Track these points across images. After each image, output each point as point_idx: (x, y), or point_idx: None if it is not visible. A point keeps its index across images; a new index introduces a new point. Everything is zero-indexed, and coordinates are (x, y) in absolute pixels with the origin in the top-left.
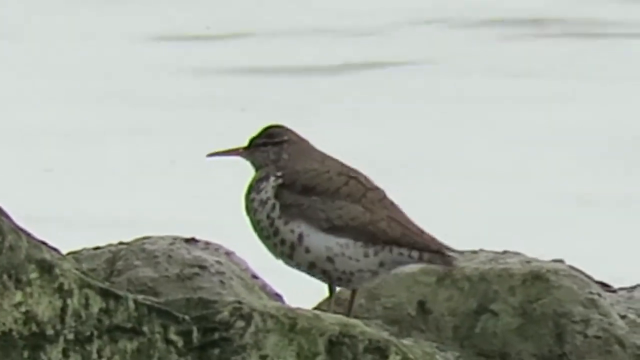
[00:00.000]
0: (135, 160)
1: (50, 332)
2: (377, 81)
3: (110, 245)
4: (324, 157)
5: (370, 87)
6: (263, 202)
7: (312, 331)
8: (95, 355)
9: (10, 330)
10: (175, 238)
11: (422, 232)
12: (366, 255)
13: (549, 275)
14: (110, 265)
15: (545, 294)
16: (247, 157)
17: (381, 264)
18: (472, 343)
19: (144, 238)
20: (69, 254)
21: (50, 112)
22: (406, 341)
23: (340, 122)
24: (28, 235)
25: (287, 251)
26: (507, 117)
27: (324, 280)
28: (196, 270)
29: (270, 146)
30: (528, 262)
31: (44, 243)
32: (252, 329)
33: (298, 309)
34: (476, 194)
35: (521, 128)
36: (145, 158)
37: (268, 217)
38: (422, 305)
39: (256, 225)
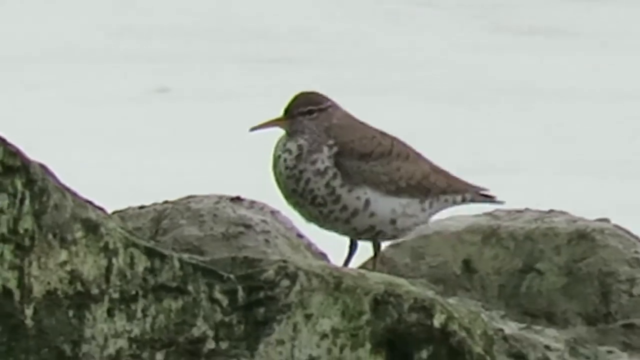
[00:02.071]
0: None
1: (95, 291)
2: None
3: (156, 204)
4: (362, 123)
5: None
6: (321, 172)
7: (357, 290)
8: (140, 315)
9: (55, 289)
10: (220, 197)
11: (459, 178)
12: (423, 210)
13: (595, 235)
14: (156, 224)
15: (590, 253)
16: (289, 126)
17: (430, 214)
18: (517, 302)
19: (189, 197)
20: (114, 213)
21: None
22: (451, 300)
23: None
24: (73, 194)
25: (347, 217)
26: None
27: (372, 240)
28: (241, 229)
29: (317, 113)
30: (574, 221)
31: (89, 202)
32: (297, 287)
33: (343, 267)
34: (524, 152)
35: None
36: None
37: (328, 185)
38: (467, 264)
39: (306, 194)
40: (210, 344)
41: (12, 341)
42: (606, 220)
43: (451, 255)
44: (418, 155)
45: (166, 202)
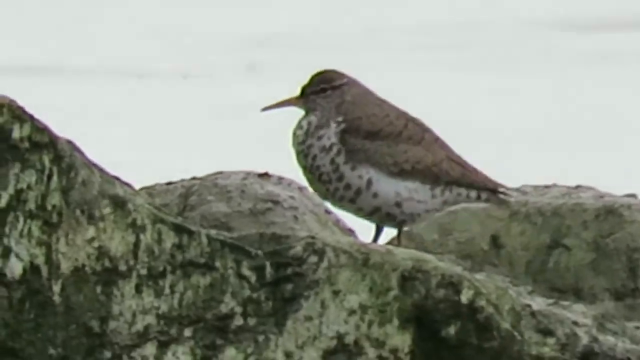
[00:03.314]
0: (207, 101)
1: (123, 267)
2: None
3: (183, 180)
4: (382, 101)
5: None
6: (326, 148)
7: (385, 266)
8: (167, 291)
9: (83, 265)
10: (248, 173)
11: (478, 171)
12: (433, 197)
13: (622, 210)
14: (184, 200)
15: (618, 228)
16: (304, 105)
17: (445, 203)
18: (544, 278)
19: (217, 173)
20: (141, 189)
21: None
22: (479, 276)
23: None
24: (101, 170)
25: (351, 196)
26: None
27: (384, 223)
28: (269, 205)
29: (330, 91)
30: (601, 196)
31: (117, 178)
32: (325, 264)
33: (371, 244)
34: (550, 129)
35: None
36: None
37: (332, 162)
38: (495, 240)
39: (314, 170)
40: (238, 321)
41: (39, 317)
42: (633, 195)
43: (479, 231)
44: (437, 141)
45: (194, 178)
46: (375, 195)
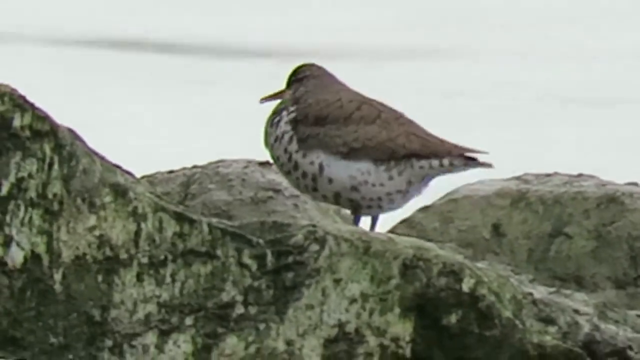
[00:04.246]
0: (211, 90)
1: (124, 256)
2: None
3: (185, 168)
4: (341, 89)
5: None
6: (279, 137)
7: (386, 254)
8: (169, 279)
9: (84, 254)
10: (249, 161)
11: (443, 140)
12: (391, 178)
13: (624, 198)
14: (185, 189)
15: (619, 217)
16: (284, 98)
17: (409, 183)
18: (546, 266)
19: (218, 161)
20: (142, 177)
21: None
22: (480, 264)
23: None
24: (102, 158)
25: (311, 184)
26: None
27: (353, 211)
28: (270, 193)
29: (294, 84)
30: (603, 185)
31: (118, 167)
32: (326, 252)
33: (372, 232)
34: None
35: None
36: (219, 88)
37: (286, 151)
38: (496, 228)
39: (276, 160)
40: (239, 309)
41: (41, 306)
42: (635, 184)
43: (480, 219)
44: (398, 119)
45: (195, 166)
46: (330, 180)
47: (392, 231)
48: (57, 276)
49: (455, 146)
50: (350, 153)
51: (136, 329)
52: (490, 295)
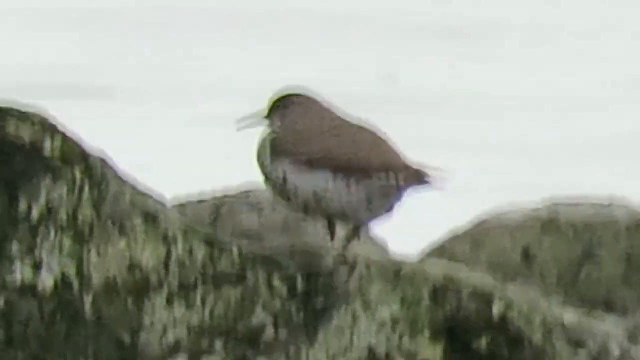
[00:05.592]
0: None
1: (154, 280)
2: None
3: (215, 198)
4: (327, 116)
5: None
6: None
7: (416, 278)
8: (199, 303)
9: (115, 278)
10: None
11: (404, 159)
12: (348, 189)
13: None
14: (215, 212)
15: None
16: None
17: (369, 199)
18: (576, 290)
19: (248, 191)
20: (172, 200)
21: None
22: (510, 288)
23: None
24: (132, 182)
25: (286, 196)
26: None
27: (327, 222)
28: (301, 217)
29: (281, 109)
30: (633, 210)
31: (148, 192)
32: (356, 275)
33: (402, 255)
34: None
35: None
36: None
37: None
38: (526, 252)
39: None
40: (270, 332)
41: (71, 329)
42: None
43: (510, 243)
44: (375, 141)
45: (225, 197)
46: (295, 188)
47: (422, 256)
48: (88, 300)
49: (413, 163)
50: (311, 162)
51: (166, 353)
52: (520, 319)
